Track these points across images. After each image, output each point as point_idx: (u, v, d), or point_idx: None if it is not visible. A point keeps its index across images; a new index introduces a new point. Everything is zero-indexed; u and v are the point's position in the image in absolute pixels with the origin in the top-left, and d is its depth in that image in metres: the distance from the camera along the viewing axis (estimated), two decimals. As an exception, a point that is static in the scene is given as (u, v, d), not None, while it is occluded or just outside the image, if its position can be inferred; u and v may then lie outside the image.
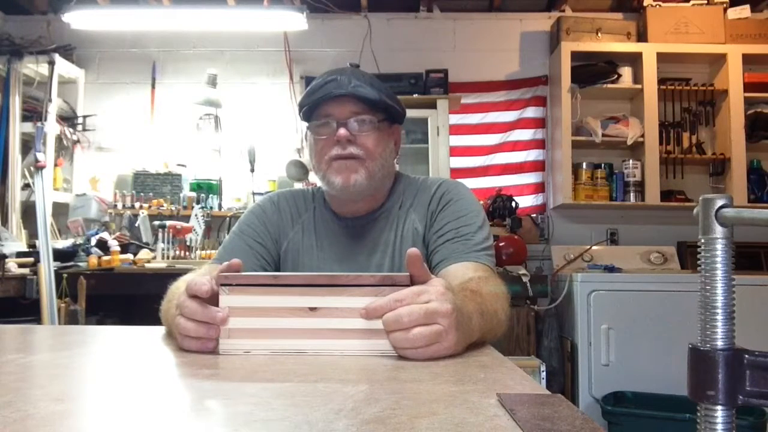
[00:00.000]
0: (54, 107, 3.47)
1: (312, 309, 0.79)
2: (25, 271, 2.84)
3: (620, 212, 3.68)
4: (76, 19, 3.34)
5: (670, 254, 3.48)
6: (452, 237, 1.21)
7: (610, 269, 3.21)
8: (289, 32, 3.72)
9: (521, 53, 3.83)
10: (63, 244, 3.17)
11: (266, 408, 0.52)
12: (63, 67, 3.57)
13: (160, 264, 3.13)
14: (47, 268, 2.81)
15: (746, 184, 3.44)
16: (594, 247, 3.52)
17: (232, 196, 3.67)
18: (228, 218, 3.53)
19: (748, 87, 3.47)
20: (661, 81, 3.50)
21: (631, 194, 3.51)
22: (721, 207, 0.40)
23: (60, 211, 3.49)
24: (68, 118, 3.65)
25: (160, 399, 0.58)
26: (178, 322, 0.81)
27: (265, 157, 3.63)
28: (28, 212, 3.32)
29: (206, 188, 3.59)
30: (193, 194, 3.54)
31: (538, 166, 3.76)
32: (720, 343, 0.40)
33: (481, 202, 3.15)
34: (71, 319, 2.73)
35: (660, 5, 3.56)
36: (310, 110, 1.25)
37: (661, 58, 3.47)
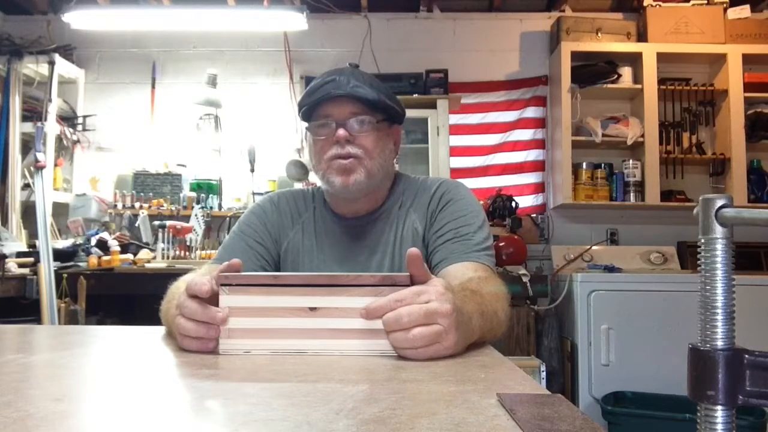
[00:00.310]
0: (54, 107, 3.47)
1: (312, 309, 0.79)
2: (25, 271, 2.84)
3: (620, 212, 3.68)
4: (76, 19, 3.34)
5: (670, 254, 3.48)
6: (452, 237, 1.21)
7: (610, 269, 3.21)
8: (289, 32, 3.72)
9: (521, 53, 3.83)
10: (63, 244, 3.17)
11: (266, 408, 0.52)
12: (63, 67, 3.57)
13: (160, 264, 3.13)
14: (47, 268, 2.81)
15: (746, 184, 3.44)
16: (594, 247, 3.52)
17: (232, 196, 3.67)
18: (228, 218, 3.53)
19: (748, 87, 3.47)
20: (661, 81, 3.50)
21: (631, 194, 3.51)
22: (721, 207, 0.40)
23: (60, 211, 3.49)
24: (68, 118, 3.65)
25: (160, 399, 0.58)
26: (178, 322, 0.81)
27: (265, 157, 3.63)
28: (28, 212, 3.32)
29: (206, 188, 3.59)
30: (193, 194, 3.54)
31: (538, 166, 3.76)
32: (720, 343, 0.40)
33: (481, 202, 3.15)
34: (71, 319, 2.73)
35: (660, 5, 3.56)
36: (309, 110, 1.25)
37: (661, 58, 3.47)
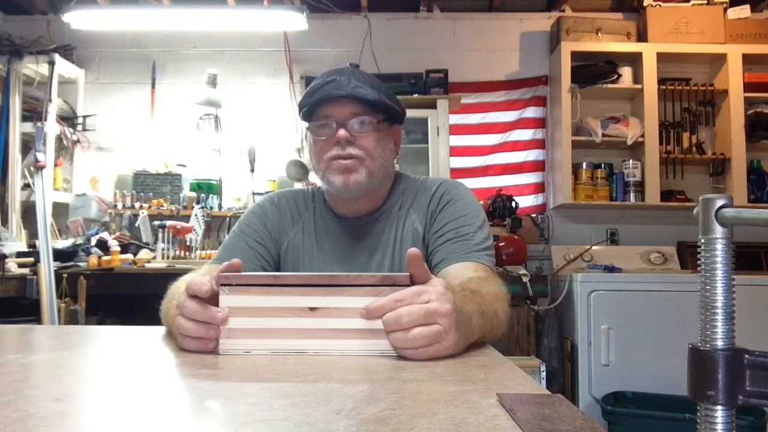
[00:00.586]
0: (54, 107, 3.47)
1: (312, 309, 0.79)
2: (25, 271, 2.84)
3: (620, 212, 3.68)
4: (76, 19, 3.34)
5: (670, 254, 3.48)
6: (452, 237, 1.21)
7: (610, 269, 3.21)
8: (289, 32, 3.72)
9: (521, 53, 3.83)
10: (63, 244, 3.17)
11: (266, 408, 0.52)
12: (63, 67, 3.57)
13: (160, 264, 3.13)
14: (47, 268, 2.81)
15: (746, 184, 3.44)
16: (594, 247, 3.52)
17: (232, 196, 3.67)
18: (228, 218, 3.53)
19: (748, 87, 3.47)
20: (661, 81, 3.50)
21: (631, 194, 3.51)
22: (721, 207, 0.40)
23: (60, 211, 3.49)
24: (68, 118, 3.65)
25: (160, 399, 0.58)
26: (178, 322, 0.81)
27: (265, 157, 3.63)
28: (28, 212, 3.32)
29: (206, 188, 3.59)
30: (193, 194, 3.54)
31: (538, 166, 3.76)
32: (720, 343, 0.40)
33: (481, 202, 3.15)
34: (71, 319, 2.73)
35: (660, 5, 3.56)
36: (310, 111, 1.24)
37: (661, 58, 3.47)
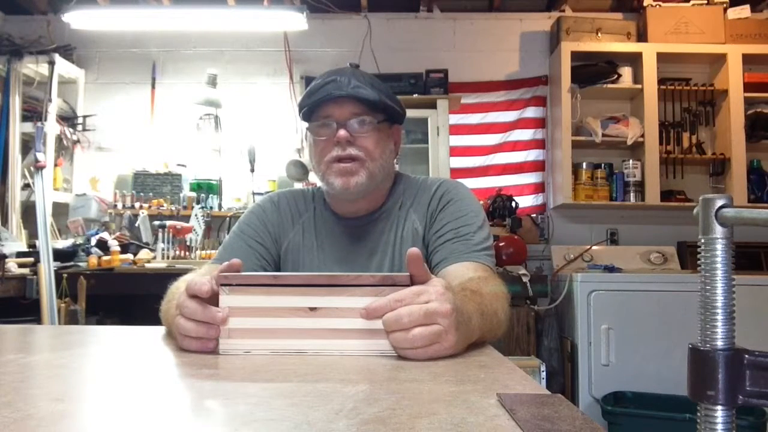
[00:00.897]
0: (54, 107, 3.47)
1: (312, 309, 0.79)
2: (25, 271, 2.84)
3: (620, 212, 3.68)
4: (76, 19, 3.34)
5: (670, 254, 3.48)
6: (452, 237, 1.21)
7: (610, 269, 3.21)
8: (289, 32, 3.72)
9: (521, 53, 3.83)
10: (63, 244, 3.17)
11: (266, 408, 0.52)
12: (63, 67, 3.57)
13: (160, 264, 3.13)
14: (47, 268, 2.81)
15: (746, 184, 3.44)
16: (594, 247, 3.52)
17: (232, 196, 3.67)
18: (228, 218, 3.53)
19: (748, 87, 3.47)
20: (661, 81, 3.50)
21: (631, 194, 3.51)
22: (721, 207, 0.40)
23: (60, 211, 3.49)
24: (68, 118, 3.65)
25: (160, 399, 0.58)
26: (178, 322, 0.81)
27: (265, 157, 3.63)
28: (28, 212, 3.32)
29: (206, 188, 3.59)
30: (193, 194, 3.54)
31: (538, 166, 3.76)
32: (720, 343, 0.40)
33: (481, 202, 3.16)
34: (71, 319, 2.73)
35: (660, 5, 3.56)
36: (310, 111, 1.24)
37: (661, 58, 3.47)
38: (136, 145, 3.73)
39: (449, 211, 1.25)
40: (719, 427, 0.39)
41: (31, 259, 2.90)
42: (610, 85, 3.54)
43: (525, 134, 3.77)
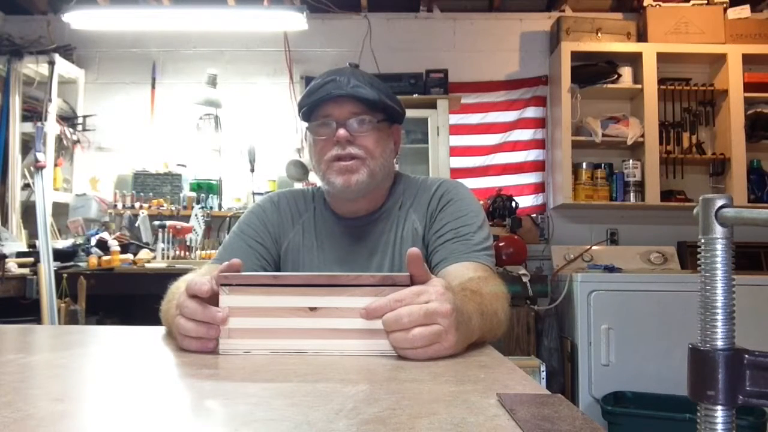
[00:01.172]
0: (54, 107, 3.47)
1: (312, 309, 0.79)
2: (25, 271, 2.84)
3: (620, 212, 3.68)
4: (76, 19, 3.34)
5: (670, 254, 3.48)
6: (452, 237, 1.21)
7: (610, 269, 3.21)
8: (289, 32, 3.72)
9: (521, 53, 3.83)
10: (63, 244, 3.17)
11: (266, 408, 0.52)
12: (63, 67, 3.57)
13: (160, 264, 3.13)
14: (47, 268, 2.81)
15: (746, 184, 3.44)
16: (594, 247, 3.52)
17: (232, 196, 3.67)
18: (228, 218, 3.53)
19: (748, 87, 3.47)
20: (661, 81, 3.50)
21: (631, 194, 3.51)
22: (721, 207, 0.40)
23: (60, 211, 3.49)
24: (68, 118, 3.65)
25: (160, 399, 0.58)
26: (178, 322, 0.81)
27: (265, 157, 3.63)
28: (28, 212, 3.32)
29: (206, 188, 3.59)
30: (193, 194, 3.54)
31: (538, 166, 3.76)
32: (720, 343, 0.40)
33: (481, 202, 3.16)
34: (71, 319, 2.73)
35: (660, 5, 3.56)
36: (309, 110, 1.24)
37: (661, 58, 3.47)
38: (136, 145, 3.73)
39: (449, 211, 1.25)
40: (719, 427, 0.39)
41: (31, 259, 2.90)
42: (610, 85, 3.54)
43: (525, 134, 3.77)
